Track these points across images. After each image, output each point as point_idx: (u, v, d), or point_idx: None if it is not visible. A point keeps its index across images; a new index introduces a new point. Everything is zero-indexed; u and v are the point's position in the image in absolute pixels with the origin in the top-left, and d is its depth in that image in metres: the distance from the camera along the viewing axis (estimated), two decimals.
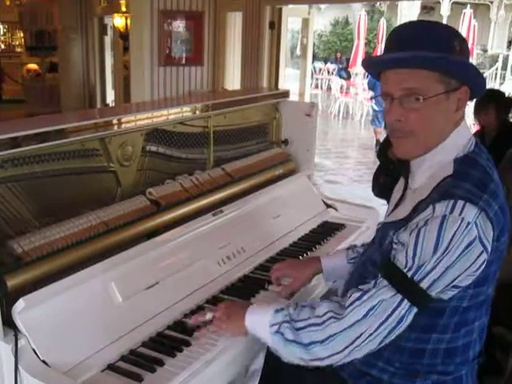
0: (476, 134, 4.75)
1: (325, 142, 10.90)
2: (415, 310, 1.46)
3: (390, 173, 3.58)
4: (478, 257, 1.42)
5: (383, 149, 3.39)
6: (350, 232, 2.88)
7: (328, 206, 3.14)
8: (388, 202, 3.80)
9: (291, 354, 1.57)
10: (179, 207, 2.32)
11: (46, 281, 1.74)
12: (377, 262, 1.66)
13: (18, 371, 1.54)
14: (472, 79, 1.52)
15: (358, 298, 1.49)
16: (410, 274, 1.43)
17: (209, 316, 1.81)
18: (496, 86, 14.05)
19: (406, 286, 1.44)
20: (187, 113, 2.49)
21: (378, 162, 3.72)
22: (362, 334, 1.46)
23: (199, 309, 2.03)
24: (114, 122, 2.12)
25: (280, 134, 3.23)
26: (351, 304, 1.49)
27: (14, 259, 1.73)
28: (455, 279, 1.43)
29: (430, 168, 1.57)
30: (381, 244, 1.68)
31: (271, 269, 2.21)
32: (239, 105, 2.84)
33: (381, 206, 3.36)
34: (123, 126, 2.15)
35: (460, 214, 1.39)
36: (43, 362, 1.58)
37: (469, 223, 1.39)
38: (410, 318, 1.46)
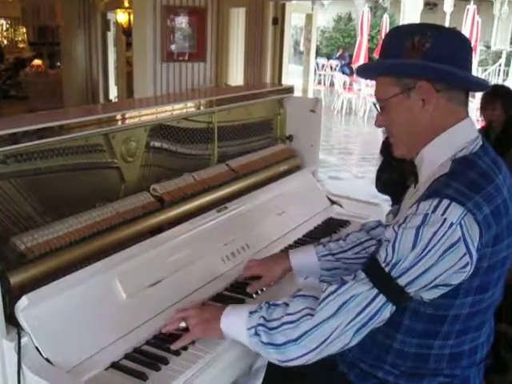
0: (481, 130, 4.74)
1: (328, 138, 10.88)
2: (391, 306, 1.44)
3: (393, 169, 3.58)
4: (460, 259, 1.38)
5: (386, 145, 3.38)
6: (354, 228, 2.85)
7: (333, 202, 3.12)
8: (392, 199, 3.79)
9: (269, 357, 1.57)
10: (183, 203, 2.30)
11: (50, 278, 1.72)
12: None
13: (21, 369, 1.53)
14: (426, 73, 1.50)
15: (333, 292, 1.48)
16: (387, 269, 1.42)
17: (182, 324, 1.75)
18: (499, 83, 13.99)
19: (382, 280, 1.43)
20: (191, 108, 2.47)
21: (382, 159, 3.71)
22: (335, 329, 1.45)
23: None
24: (118, 117, 2.10)
25: (284, 130, 3.21)
26: (325, 298, 1.48)
27: (17, 256, 1.71)
28: (436, 279, 1.40)
29: (430, 166, 1.55)
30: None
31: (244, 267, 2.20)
32: (244, 100, 2.82)
33: (385, 202, 3.35)
34: (127, 121, 2.13)
35: (442, 214, 1.37)
36: (46, 359, 1.56)
37: (452, 224, 1.36)
38: (386, 314, 1.44)
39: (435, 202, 1.39)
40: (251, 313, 1.60)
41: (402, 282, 1.41)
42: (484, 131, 4.62)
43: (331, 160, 9.34)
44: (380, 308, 1.43)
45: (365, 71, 1.72)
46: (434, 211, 1.38)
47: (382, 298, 1.43)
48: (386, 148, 3.32)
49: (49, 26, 13.34)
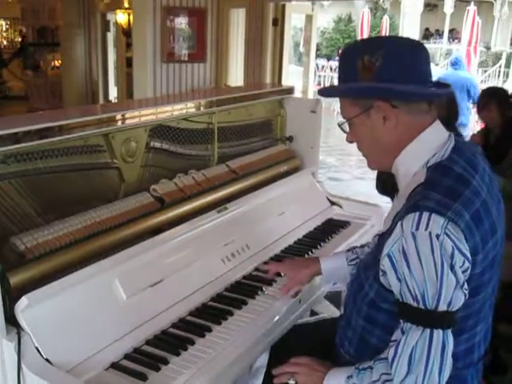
0: (480, 133, 4.75)
1: (327, 140, 10.87)
2: (449, 332, 1.41)
3: None
4: (462, 265, 1.38)
5: None
6: (354, 229, 2.86)
7: (332, 203, 3.12)
8: (392, 200, 3.78)
9: None
10: (183, 204, 2.30)
11: (50, 278, 1.72)
12: (367, 266, 1.63)
13: (21, 369, 1.53)
14: (377, 94, 1.52)
15: (395, 354, 1.44)
16: (421, 306, 1.40)
17: (292, 382, 1.68)
18: (499, 84, 14.00)
19: (425, 317, 1.40)
20: (191, 109, 2.47)
21: None
22: (415, 381, 1.41)
23: (204, 306, 2.02)
24: (118, 117, 2.10)
25: (284, 131, 3.21)
26: (393, 362, 1.44)
27: (17, 256, 1.71)
28: (461, 289, 1.39)
29: (405, 176, 1.57)
30: (373, 251, 1.66)
31: (269, 265, 2.23)
32: (244, 101, 2.82)
33: (384, 204, 3.35)
34: (127, 121, 2.13)
35: (426, 229, 1.36)
36: (46, 360, 1.57)
37: (438, 235, 1.35)
38: (450, 342, 1.42)
39: (416, 217, 1.38)
40: (348, 377, 1.55)
41: (442, 307, 1.39)
42: (484, 133, 4.63)
43: (330, 161, 9.34)
44: (443, 340, 1.41)
45: (325, 94, 1.72)
46: (417, 228, 1.37)
47: (438, 332, 1.40)
48: None
49: (48, 26, 13.32)
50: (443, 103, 4.15)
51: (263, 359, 2.10)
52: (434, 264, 1.36)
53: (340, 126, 1.68)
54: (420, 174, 1.50)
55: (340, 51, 1.69)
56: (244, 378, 2.27)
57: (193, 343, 1.78)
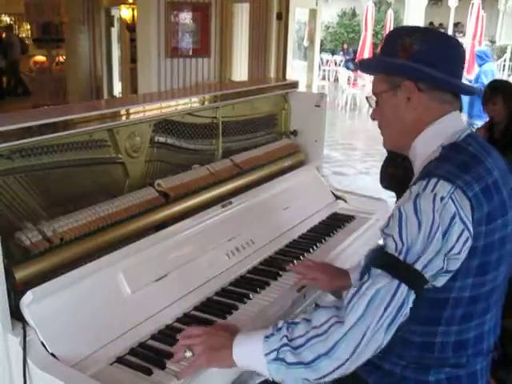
0: (485, 126, 4.73)
1: (332, 134, 10.86)
2: (413, 294, 1.42)
3: (398, 164, 3.56)
4: (460, 235, 1.40)
5: None
6: (359, 224, 2.86)
7: (337, 197, 3.11)
8: (396, 195, 3.78)
9: (296, 378, 1.46)
10: (188, 199, 2.30)
11: (55, 273, 1.72)
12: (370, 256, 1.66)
13: (27, 364, 1.53)
14: (409, 73, 1.59)
15: (355, 294, 1.43)
16: (402, 257, 1.41)
17: (188, 354, 1.58)
18: (504, 78, 13.95)
19: (400, 269, 1.41)
20: (196, 103, 2.47)
21: (386, 154, 3.69)
22: (366, 330, 1.39)
23: (209, 301, 2.02)
24: (123, 112, 2.10)
25: (289, 125, 3.21)
26: (349, 302, 1.43)
27: (22, 251, 1.71)
28: (445, 260, 1.41)
29: (420, 158, 1.61)
30: None
31: (304, 260, 2.28)
32: (248, 95, 2.81)
33: (389, 199, 3.34)
34: (132, 116, 2.13)
35: (432, 191, 1.41)
36: (52, 354, 1.57)
37: (442, 197, 1.40)
38: (410, 304, 1.42)
39: (424, 182, 1.44)
40: (267, 337, 1.49)
41: (418, 266, 1.40)
42: (488, 126, 4.62)
43: (335, 155, 9.32)
44: (405, 298, 1.41)
45: (363, 67, 1.87)
46: (424, 190, 1.42)
47: (404, 288, 1.40)
48: None
49: (53, 22, 13.32)
50: None
51: None
52: (431, 223, 1.40)
53: (367, 98, 1.75)
54: (435, 153, 1.55)
55: (391, 27, 1.86)
56: (244, 377, 2.27)
57: None
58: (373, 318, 1.40)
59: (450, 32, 19.64)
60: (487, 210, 1.44)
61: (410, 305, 1.43)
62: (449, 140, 1.56)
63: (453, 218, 1.39)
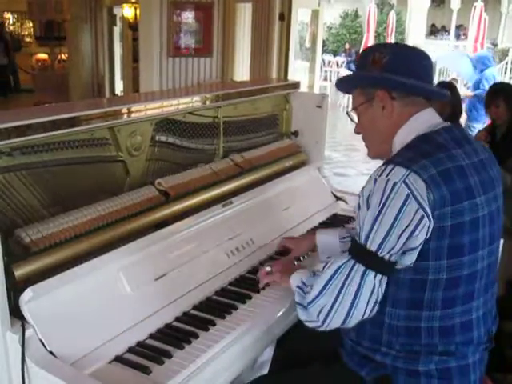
0: (487, 129, 4.72)
1: (333, 135, 10.86)
2: (373, 274, 1.54)
3: None
4: (415, 214, 1.48)
5: None
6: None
7: (338, 198, 3.11)
8: None
9: (298, 312, 1.74)
10: (188, 198, 2.30)
11: (54, 271, 1.72)
12: None
13: (25, 362, 1.53)
14: (380, 82, 1.70)
15: (322, 269, 1.66)
16: (357, 239, 1.57)
17: (268, 269, 2.07)
18: (506, 80, 13.93)
19: (356, 250, 1.58)
20: (197, 103, 2.46)
21: None
22: (327, 301, 1.59)
23: (208, 300, 2.02)
24: (124, 111, 2.10)
25: (290, 126, 3.20)
26: (318, 275, 1.67)
27: (22, 249, 1.71)
28: (401, 240, 1.50)
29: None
30: None
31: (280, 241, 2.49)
32: (250, 95, 2.81)
33: None
34: (133, 115, 2.12)
35: (387, 176, 1.52)
36: (50, 352, 1.57)
37: (395, 183, 1.49)
38: (372, 282, 1.55)
39: (382, 167, 1.56)
40: (301, 275, 1.81)
41: (372, 247, 1.53)
42: (490, 129, 4.61)
43: (336, 156, 9.32)
44: (362, 277, 1.55)
45: (340, 86, 1.94)
46: (379, 175, 1.54)
47: (359, 267, 1.56)
48: None
49: (55, 20, 13.34)
50: (449, 102, 4.15)
51: (268, 353, 2.11)
52: (380, 206, 1.51)
53: (348, 113, 1.87)
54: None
55: (393, 28, 1.98)
56: (248, 372, 2.27)
57: (197, 337, 1.78)
58: (331, 294, 1.59)
59: (452, 34, 19.66)
60: (448, 192, 1.51)
61: (375, 284, 1.55)
62: (422, 132, 1.65)
63: (406, 199, 1.48)
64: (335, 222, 2.87)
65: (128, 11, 9.80)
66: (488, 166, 1.67)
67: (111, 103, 2.31)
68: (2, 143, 1.67)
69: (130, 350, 1.71)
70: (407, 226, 1.49)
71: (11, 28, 18.36)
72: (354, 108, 1.81)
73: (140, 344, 1.74)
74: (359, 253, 1.56)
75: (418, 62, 1.73)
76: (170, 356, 1.67)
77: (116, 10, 10.69)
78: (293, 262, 2.22)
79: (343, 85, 1.92)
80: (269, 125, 3.08)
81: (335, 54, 20.72)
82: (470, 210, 1.55)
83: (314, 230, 2.53)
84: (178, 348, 1.71)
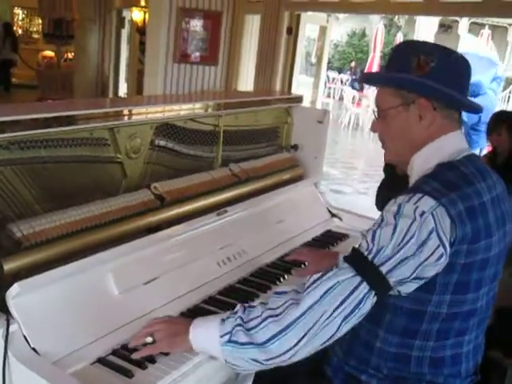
0: (488, 156, 4.74)
1: (333, 152, 10.88)
2: (373, 295, 1.46)
3: (394, 188, 3.55)
4: (435, 250, 1.43)
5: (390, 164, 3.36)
6: (353, 242, 2.83)
7: (333, 215, 3.11)
8: None
9: (246, 359, 1.51)
10: (183, 204, 2.29)
11: (44, 267, 1.71)
12: None
13: (7, 357, 1.52)
14: (427, 91, 1.59)
15: (316, 280, 1.50)
16: (370, 257, 1.46)
17: (149, 339, 1.67)
18: (509, 109, 13.97)
19: (365, 267, 1.47)
20: (199, 110, 2.47)
21: (384, 176, 3.69)
22: (320, 316, 1.45)
23: (196, 308, 2.00)
24: (125, 112, 2.10)
25: (290, 139, 3.20)
26: (309, 286, 1.50)
27: (13, 243, 1.70)
28: (414, 271, 1.45)
29: (417, 173, 1.63)
30: None
31: (296, 251, 2.44)
32: (252, 106, 2.81)
33: None
34: (134, 117, 2.13)
35: (415, 203, 1.45)
36: (33, 349, 1.55)
37: (423, 212, 1.43)
38: (368, 304, 1.47)
39: (410, 194, 1.48)
40: (223, 320, 1.57)
41: (384, 269, 1.45)
42: (490, 156, 4.62)
43: (334, 173, 9.33)
44: (364, 296, 1.46)
45: (371, 79, 1.86)
46: (408, 201, 1.46)
47: (365, 286, 1.46)
48: (390, 166, 3.30)
49: (64, 18, 13.37)
50: None
51: None
52: (406, 231, 1.44)
53: (374, 112, 1.73)
54: (429, 169, 1.57)
55: (394, 46, 1.77)
56: (232, 383, 2.25)
57: None
58: (329, 307, 1.46)
59: None
60: (471, 230, 1.47)
61: (369, 306, 1.47)
62: (446, 159, 1.58)
63: (430, 232, 1.42)
64: (329, 238, 2.87)
65: (137, 15, 9.84)
66: (502, 200, 1.63)
67: (113, 104, 2.32)
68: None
69: (114, 352, 1.69)
70: (424, 261, 1.44)
71: (20, 24, 18.41)
72: (381, 107, 1.69)
73: (124, 347, 1.72)
74: (368, 272, 1.46)
75: (463, 72, 1.64)
76: (153, 361, 1.66)
77: (125, 13, 10.72)
78: (176, 322, 1.74)
79: (374, 79, 1.84)
80: (269, 137, 3.08)
81: (340, 71, 20.81)
82: (485, 249, 1.52)
83: (278, 260, 2.49)
84: (162, 353, 1.70)
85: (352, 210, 3.26)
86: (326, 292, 1.46)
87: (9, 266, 1.64)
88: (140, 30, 9.69)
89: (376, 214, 3.49)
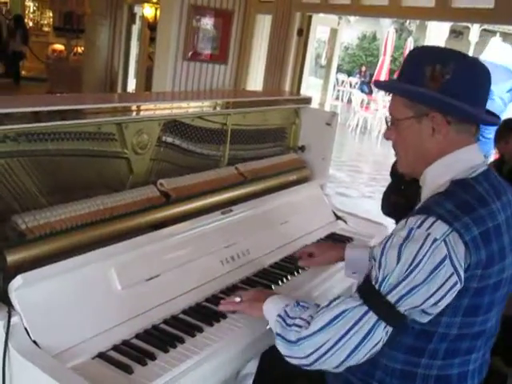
0: (494, 163, 4.72)
1: (340, 154, 10.86)
2: (384, 325, 1.43)
3: (401, 193, 3.54)
4: (449, 279, 1.38)
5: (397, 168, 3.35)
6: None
7: (338, 217, 3.10)
8: (396, 222, 3.76)
9: (278, 346, 1.62)
10: (189, 202, 2.29)
11: (47, 260, 1.71)
12: None
13: (7, 349, 1.52)
14: (440, 106, 1.53)
15: (326, 306, 1.52)
16: (377, 286, 1.44)
17: (237, 299, 1.93)
18: None
19: (372, 297, 1.45)
20: (207, 108, 2.46)
21: (391, 181, 3.68)
22: (326, 341, 1.46)
23: (198, 306, 2.00)
24: (133, 108, 2.10)
25: (297, 140, 3.20)
26: (320, 310, 1.53)
27: (17, 235, 1.70)
28: (426, 300, 1.40)
29: (431, 187, 1.58)
30: None
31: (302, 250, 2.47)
32: (260, 106, 2.81)
33: (390, 225, 3.32)
34: (142, 113, 2.13)
35: (427, 230, 1.39)
36: (34, 342, 1.55)
37: (435, 239, 1.38)
38: (380, 334, 1.44)
39: (422, 217, 1.42)
40: (286, 305, 1.67)
41: (391, 299, 1.41)
42: (497, 164, 4.60)
43: (341, 176, 9.32)
44: (372, 327, 1.43)
45: (384, 88, 1.82)
46: (419, 226, 1.41)
47: (372, 316, 1.43)
48: (397, 171, 3.29)
49: (75, 12, 13.40)
50: None
51: (252, 366, 2.08)
52: (412, 260, 1.39)
53: (386, 120, 1.69)
54: (443, 186, 1.52)
55: (408, 51, 1.73)
56: (230, 383, 2.25)
57: (183, 342, 1.76)
58: (334, 334, 1.46)
59: None
60: (485, 255, 1.43)
61: (383, 336, 1.44)
62: (460, 175, 1.53)
63: (442, 260, 1.37)
64: (333, 240, 2.85)
65: (148, 11, 9.83)
66: None
67: (121, 99, 2.32)
68: (8, 127, 1.67)
69: (115, 347, 1.69)
70: (438, 289, 1.39)
71: (31, 16, 18.45)
72: (394, 116, 1.64)
73: (125, 343, 1.72)
74: (375, 301, 1.43)
75: (480, 83, 1.57)
76: (153, 358, 1.66)
77: (136, 9, 10.71)
78: (265, 292, 1.91)
79: (388, 87, 1.77)
80: (276, 137, 3.08)
81: (349, 74, 20.78)
82: (498, 273, 1.48)
83: (281, 261, 2.50)
84: (162, 351, 1.70)
85: (358, 214, 3.25)
86: (332, 319, 1.47)
87: (12, 257, 1.64)
88: (151, 27, 9.68)
89: (381, 217, 3.50)
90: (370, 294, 1.45)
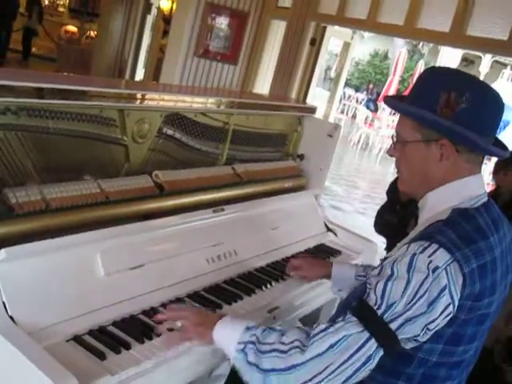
0: (488, 194, 4.71)
1: (338, 168, 10.88)
2: (382, 352, 1.41)
3: (395, 212, 3.55)
4: (445, 308, 1.38)
5: (394, 187, 3.35)
6: (344, 260, 2.83)
7: (329, 229, 3.10)
8: (387, 241, 3.76)
9: (249, 378, 1.50)
10: (182, 196, 2.29)
11: (34, 238, 1.70)
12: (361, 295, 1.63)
13: None
14: (452, 135, 1.50)
15: (323, 330, 1.45)
16: (379, 313, 1.40)
17: (179, 323, 1.71)
18: None
19: (374, 323, 1.40)
20: (211, 105, 2.46)
21: (386, 199, 3.68)
22: (324, 369, 1.40)
23: (178, 301, 1.99)
24: (138, 96, 2.09)
25: (297, 148, 3.20)
26: (316, 335, 1.44)
27: (6, 209, 1.69)
28: (423, 328, 1.39)
29: (431, 211, 1.57)
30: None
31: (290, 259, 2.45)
32: (265, 109, 2.81)
33: (380, 243, 3.32)
34: (146, 102, 2.12)
35: (429, 256, 1.38)
36: (10, 317, 1.54)
37: (437, 267, 1.37)
38: (377, 360, 1.42)
39: (425, 244, 1.41)
40: (248, 328, 1.56)
41: (393, 326, 1.39)
42: (492, 195, 4.60)
43: (336, 190, 9.32)
44: (372, 353, 1.40)
45: (396, 108, 1.70)
46: (422, 252, 1.39)
47: (373, 343, 1.40)
48: (393, 190, 3.29)
49: None
50: None
51: (225, 367, 2.08)
52: (418, 288, 1.37)
53: (393, 137, 1.66)
54: (444, 213, 1.51)
55: (422, 71, 1.64)
56: (201, 381, 2.24)
57: (159, 335, 1.75)
58: (334, 360, 1.40)
59: None
60: (478, 288, 1.42)
61: (376, 361, 1.42)
62: (462, 204, 1.52)
63: (443, 289, 1.37)
64: (321, 252, 2.85)
65: (165, 3, 9.85)
66: (509, 252, 1.58)
67: (127, 86, 2.31)
68: (9, 100, 1.66)
69: (91, 332, 1.68)
70: (436, 318, 1.39)
71: None
72: (404, 141, 1.60)
73: (101, 329, 1.71)
74: (378, 328, 1.40)
75: (495, 114, 1.54)
76: (128, 347, 1.65)
77: (153, 0, 10.73)
78: (205, 315, 1.76)
79: (401, 109, 1.65)
80: (277, 142, 3.08)
81: (357, 89, 20.82)
82: (486, 306, 1.48)
83: (267, 266, 2.49)
84: (138, 341, 1.69)
85: (350, 228, 3.25)
86: (331, 345, 1.41)
87: None
88: (165, 19, 9.69)
89: (372, 235, 3.50)
90: (371, 320, 1.41)
